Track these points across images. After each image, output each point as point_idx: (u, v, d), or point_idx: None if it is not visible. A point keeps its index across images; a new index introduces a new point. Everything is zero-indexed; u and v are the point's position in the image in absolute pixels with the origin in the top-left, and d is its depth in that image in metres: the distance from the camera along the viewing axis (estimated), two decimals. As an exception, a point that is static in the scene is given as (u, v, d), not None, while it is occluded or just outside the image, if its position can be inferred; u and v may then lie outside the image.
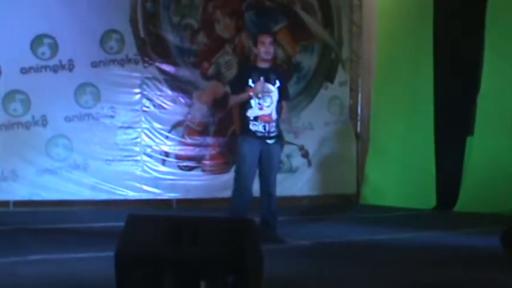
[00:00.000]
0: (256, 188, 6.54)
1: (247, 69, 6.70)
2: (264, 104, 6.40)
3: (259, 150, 6.41)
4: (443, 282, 4.71)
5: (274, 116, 6.47)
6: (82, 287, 4.25)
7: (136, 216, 3.68)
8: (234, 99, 6.57)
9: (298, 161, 10.57)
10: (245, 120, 6.44)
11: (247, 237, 3.47)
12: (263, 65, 6.51)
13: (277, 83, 6.51)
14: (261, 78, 6.38)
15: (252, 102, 6.39)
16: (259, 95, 6.33)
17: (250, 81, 6.41)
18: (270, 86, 6.44)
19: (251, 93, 6.32)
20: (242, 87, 6.44)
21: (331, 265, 5.40)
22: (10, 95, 8.64)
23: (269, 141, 6.44)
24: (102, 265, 4.73)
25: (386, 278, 4.81)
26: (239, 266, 3.34)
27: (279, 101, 6.51)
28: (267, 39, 6.52)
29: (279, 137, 6.60)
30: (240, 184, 6.41)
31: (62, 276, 4.62)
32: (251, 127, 6.39)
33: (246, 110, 6.43)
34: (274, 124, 6.45)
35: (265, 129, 6.40)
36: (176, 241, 3.40)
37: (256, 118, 6.40)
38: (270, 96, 6.43)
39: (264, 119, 6.40)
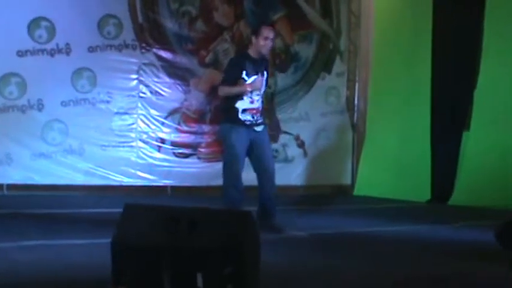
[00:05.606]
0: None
1: (240, 59, 6.51)
2: (254, 99, 6.37)
3: (249, 139, 6.36)
4: (436, 275, 4.71)
5: (261, 106, 6.46)
6: (77, 274, 4.23)
7: (134, 205, 3.66)
8: (228, 90, 6.38)
9: (294, 150, 10.56)
10: (232, 110, 6.35)
11: (244, 229, 3.47)
12: (256, 55, 6.42)
13: (265, 74, 6.48)
14: (259, 74, 6.33)
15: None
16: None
17: (244, 73, 6.33)
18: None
19: (248, 89, 6.26)
20: (236, 79, 6.36)
21: (327, 257, 5.40)
22: (6, 78, 8.59)
23: (257, 129, 6.41)
24: (97, 252, 4.72)
25: (381, 271, 4.81)
26: (236, 258, 3.33)
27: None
28: (271, 35, 6.37)
29: (265, 125, 6.58)
30: (232, 174, 6.32)
31: (56, 262, 4.60)
32: (240, 116, 6.34)
33: (235, 101, 6.34)
34: (260, 114, 6.43)
35: (253, 117, 6.37)
36: (173, 232, 3.39)
37: (244, 110, 6.35)
38: (259, 89, 6.42)
39: (252, 112, 6.38)
